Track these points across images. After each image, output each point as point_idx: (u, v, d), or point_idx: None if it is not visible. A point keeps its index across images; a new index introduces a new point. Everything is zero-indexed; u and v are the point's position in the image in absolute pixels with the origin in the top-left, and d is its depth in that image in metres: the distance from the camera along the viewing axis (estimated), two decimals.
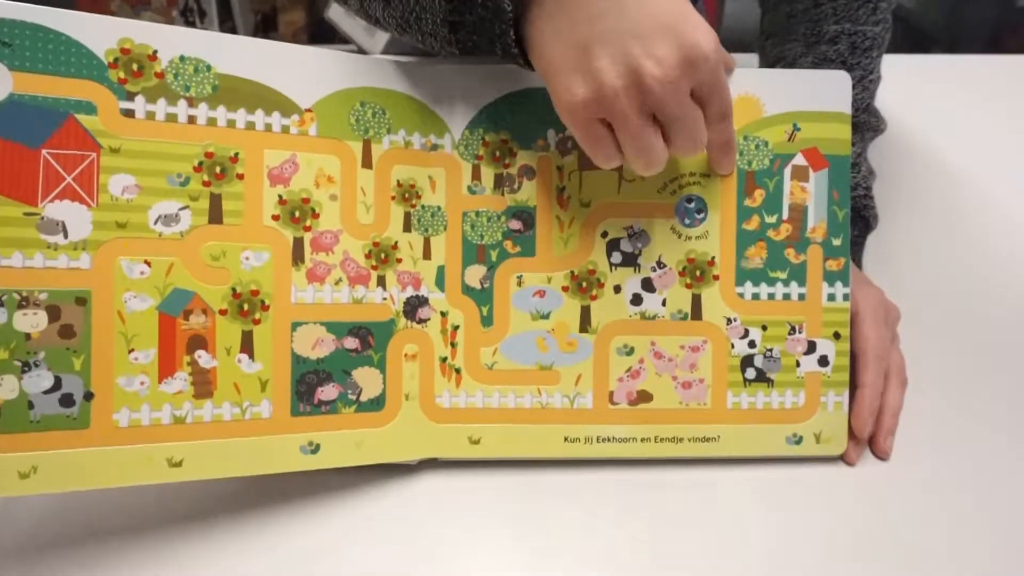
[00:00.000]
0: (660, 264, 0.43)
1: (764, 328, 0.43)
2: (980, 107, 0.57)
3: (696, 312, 0.43)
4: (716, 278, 0.43)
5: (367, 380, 0.41)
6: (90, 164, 0.35)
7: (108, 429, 0.35)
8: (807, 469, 0.43)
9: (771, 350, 0.43)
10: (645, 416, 0.42)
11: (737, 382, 0.43)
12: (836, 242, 0.43)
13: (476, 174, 0.42)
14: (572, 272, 0.42)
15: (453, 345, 0.42)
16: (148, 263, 0.36)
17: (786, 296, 0.43)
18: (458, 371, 0.42)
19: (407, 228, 0.42)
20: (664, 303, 0.43)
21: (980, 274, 0.52)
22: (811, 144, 0.43)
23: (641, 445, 0.42)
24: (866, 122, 0.51)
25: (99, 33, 0.35)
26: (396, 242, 0.42)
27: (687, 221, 0.43)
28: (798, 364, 0.43)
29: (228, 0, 1.16)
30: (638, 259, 0.43)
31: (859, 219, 0.51)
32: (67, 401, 0.35)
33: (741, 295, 0.43)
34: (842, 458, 0.44)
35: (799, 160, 0.43)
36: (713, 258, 0.43)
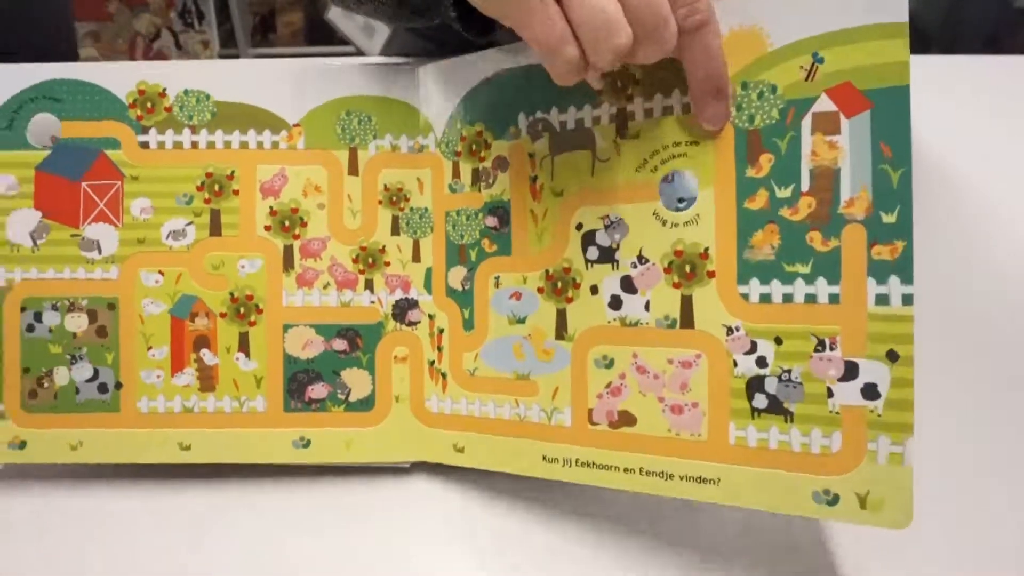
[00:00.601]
0: (641, 259, 0.35)
1: (778, 341, 0.32)
2: (978, 107, 0.52)
3: (687, 318, 0.34)
4: (711, 275, 0.34)
5: (356, 381, 0.42)
6: (116, 191, 0.42)
7: (133, 414, 0.42)
8: None
9: (789, 371, 0.32)
10: (628, 442, 0.36)
11: (742, 411, 0.33)
12: (888, 218, 0.30)
13: (456, 171, 0.41)
14: (547, 271, 0.38)
15: (439, 349, 0.41)
16: (161, 273, 0.42)
17: (810, 298, 0.32)
18: (444, 376, 0.41)
19: (395, 231, 0.42)
20: (647, 306, 0.35)
21: (979, 275, 0.47)
22: (841, 79, 0.31)
23: (624, 476, 0.36)
24: None
25: (121, 78, 0.42)
26: (384, 246, 0.42)
27: (672, 203, 0.35)
28: (830, 393, 0.31)
29: (226, 2, 1.17)
30: (616, 254, 0.36)
31: None
32: (103, 389, 0.42)
33: (745, 296, 0.33)
34: None
35: (823, 104, 0.31)
36: (706, 249, 0.34)
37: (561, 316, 0.38)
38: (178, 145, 0.42)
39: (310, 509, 0.41)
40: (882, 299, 0.30)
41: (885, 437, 0.30)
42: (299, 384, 0.42)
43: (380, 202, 0.42)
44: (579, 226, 0.37)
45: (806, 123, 0.32)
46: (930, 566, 0.36)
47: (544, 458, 0.38)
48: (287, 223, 0.42)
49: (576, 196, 0.37)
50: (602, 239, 0.37)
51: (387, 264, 0.42)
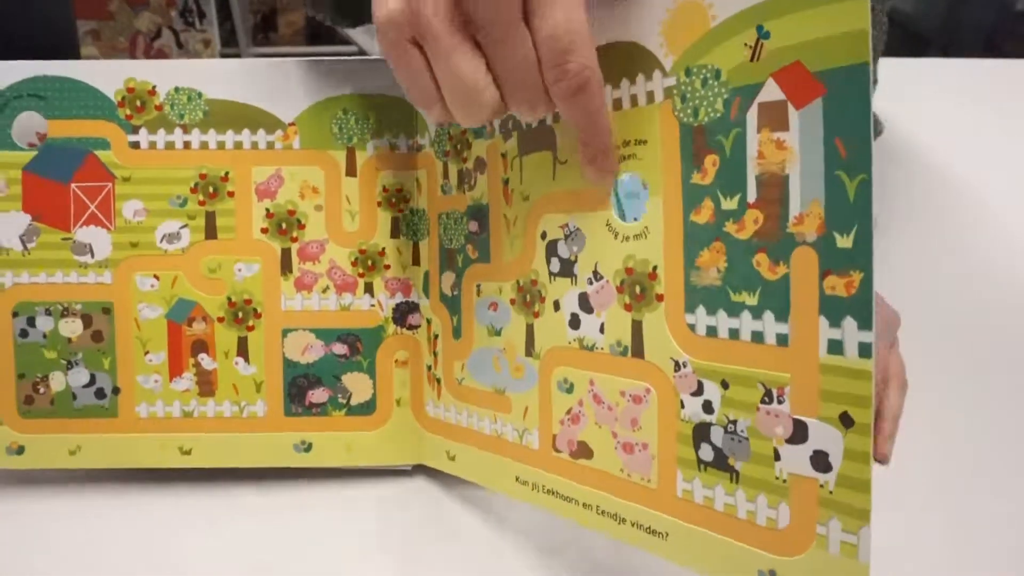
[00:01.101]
0: (596, 275, 0.32)
1: (725, 385, 0.27)
2: (976, 110, 0.52)
3: (637, 346, 0.30)
4: (660, 298, 0.29)
5: (357, 385, 0.42)
6: (107, 193, 0.41)
7: (132, 419, 0.41)
8: None
9: (735, 423, 0.27)
10: (586, 476, 0.33)
11: (689, 461, 0.29)
12: (843, 241, 0.24)
13: (445, 172, 0.40)
14: (518, 282, 0.36)
15: (435, 354, 0.41)
16: (157, 277, 0.41)
17: (757, 336, 0.26)
18: (439, 381, 0.41)
19: (395, 234, 0.42)
20: (602, 329, 0.32)
21: (978, 277, 0.47)
22: (789, 58, 0.24)
23: (583, 511, 0.33)
24: None
25: (108, 76, 0.40)
26: (383, 248, 0.41)
27: (623, 213, 0.31)
28: (777, 455, 0.26)
29: (228, 0, 1.14)
30: (574, 268, 0.33)
31: None
32: (100, 394, 0.41)
33: (692, 327, 0.28)
34: None
35: (770, 92, 0.25)
36: (655, 268, 0.29)
37: (530, 331, 0.35)
38: (170, 145, 0.41)
39: (311, 512, 0.41)
40: (835, 346, 0.24)
41: (836, 521, 0.24)
42: (299, 388, 0.42)
43: (379, 204, 0.41)
44: (543, 235, 0.34)
45: (751, 116, 0.26)
46: (930, 566, 0.36)
47: (517, 479, 0.36)
48: (284, 225, 0.41)
49: (541, 201, 0.34)
50: (562, 250, 0.33)
51: (387, 267, 0.42)
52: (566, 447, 0.34)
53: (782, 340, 0.26)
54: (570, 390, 0.33)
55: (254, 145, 0.41)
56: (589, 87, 0.27)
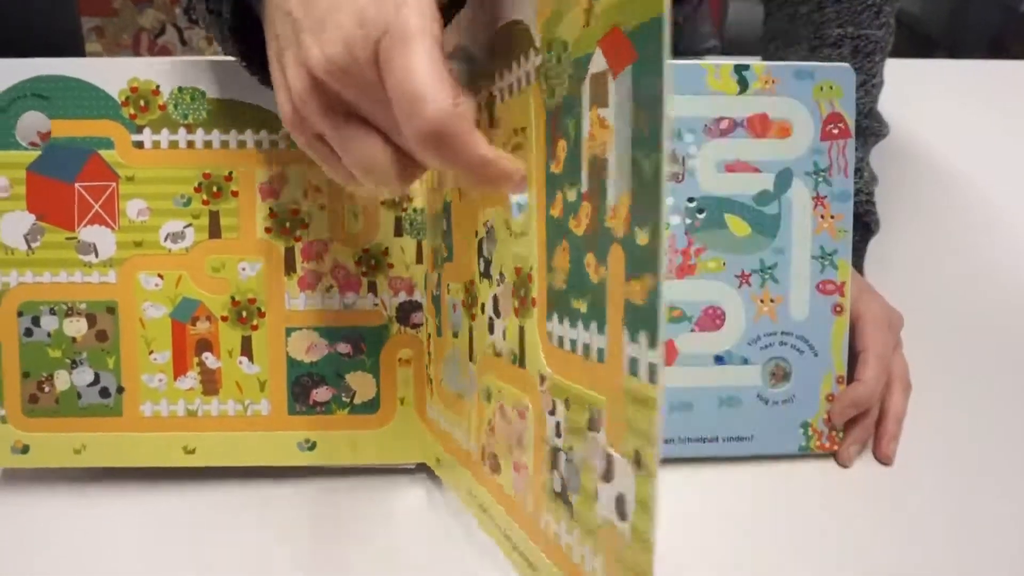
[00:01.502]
0: (501, 276, 0.29)
1: (567, 405, 0.24)
2: (982, 112, 0.53)
3: (522, 355, 0.27)
4: (534, 303, 0.26)
5: (360, 384, 0.42)
6: (111, 193, 0.41)
7: (136, 418, 0.41)
8: (806, 472, 0.39)
9: (571, 450, 0.24)
10: (500, 496, 0.30)
11: (548, 488, 0.25)
12: (641, 236, 0.19)
13: None
14: (465, 284, 0.34)
15: (429, 354, 0.41)
16: (161, 276, 0.41)
17: (586, 349, 0.23)
18: (431, 382, 0.41)
19: (399, 233, 0.42)
20: (504, 334, 0.29)
21: (982, 278, 0.48)
22: (611, 21, 0.20)
23: (496, 531, 0.31)
24: (869, 127, 0.49)
25: (112, 75, 0.40)
26: (387, 248, 0.42)
27: (514, 208, 0.28)
28: (596, 494, 0.22)
29: None
30: (491, 268, 0.30)
31: (861, 224, 0.46)
32: (105, 393, 0.41)
33: (550, 336, 0.25)
34: (835, 458, 0.42)
35: (598, 62, 0.21)
36: (531, 269, 0.27)
37: (470, 335, 0.34)
38: (173, 145, 0.41)
39: (313, 510, 0.41)
40: (633, 365, 0.20)
41: None
42: (303, 387, 0.42)
43: (383, 203, 0.41)
44: (476, 233, 0.32)
45: (585, 91, 0.22)
46: (932, 566, 0.37)
47: (469, 492, 0.34)
48: (288, 225, 0.41)
49: (474, 198, 0.33)
50: (485, 249, 0.31)
51: (390, 266, 0.42)
52: (488, 460, 0.32)
53: (600, 356, 0.22)
54: (489, 399, 0.31)
55: (257, 144, 0.41)
56: (445, 134, 0.23)
